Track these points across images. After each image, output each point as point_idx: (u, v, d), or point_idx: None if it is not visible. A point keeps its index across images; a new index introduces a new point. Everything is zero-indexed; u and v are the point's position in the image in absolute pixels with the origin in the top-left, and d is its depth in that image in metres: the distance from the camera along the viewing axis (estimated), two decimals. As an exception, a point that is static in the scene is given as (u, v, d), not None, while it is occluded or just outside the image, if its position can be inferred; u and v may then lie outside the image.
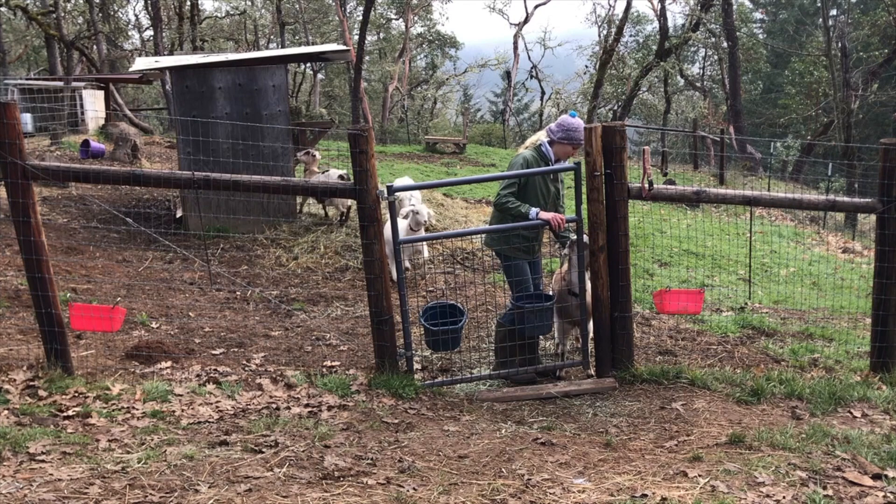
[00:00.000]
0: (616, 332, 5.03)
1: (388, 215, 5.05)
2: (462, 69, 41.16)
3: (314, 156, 10.25)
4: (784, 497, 3.21)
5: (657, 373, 5.00)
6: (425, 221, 7.82)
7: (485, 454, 3.81)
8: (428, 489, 3.36)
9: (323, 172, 10.14)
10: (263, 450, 3.70)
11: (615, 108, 31.40)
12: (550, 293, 5.32)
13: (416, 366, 5.36)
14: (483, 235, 5.80)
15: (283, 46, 31.70)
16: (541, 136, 5.28)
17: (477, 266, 8.62)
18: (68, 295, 6.62)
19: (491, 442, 4.00)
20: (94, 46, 26.14)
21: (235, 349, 5.79)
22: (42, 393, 4.32)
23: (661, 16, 27.49)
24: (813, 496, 3.22)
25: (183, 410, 4.23)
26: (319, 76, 37.25)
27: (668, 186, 5.37)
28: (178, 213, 10.38)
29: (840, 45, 21.74)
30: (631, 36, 35.87)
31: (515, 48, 36.47)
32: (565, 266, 5.35)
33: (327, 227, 9.77)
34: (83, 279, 7.39)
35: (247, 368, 5.10)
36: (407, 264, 8.44)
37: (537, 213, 4.97)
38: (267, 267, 8.51)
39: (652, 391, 4.83)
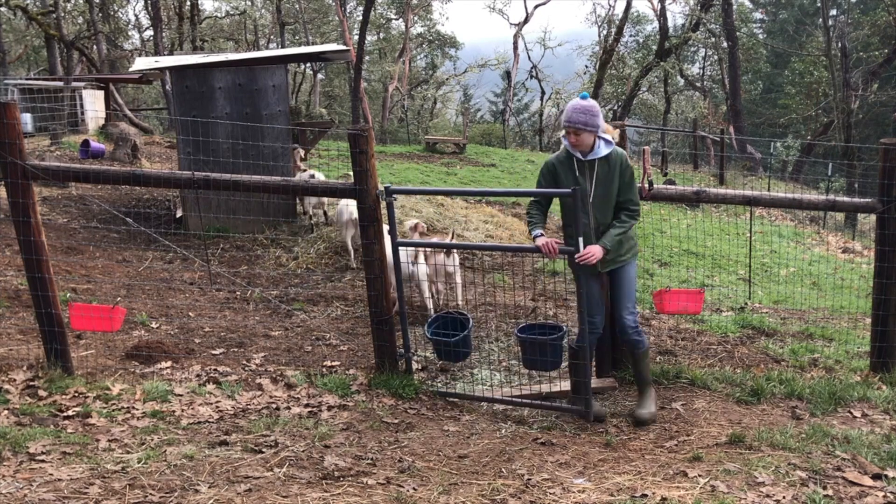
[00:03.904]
0: (616, 333, 5.02)
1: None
2: (462, 69, 41.15)
3: (299, 154, 10.18)
4: (784, 497, 3.21)
5: (657, 373, 5.00)
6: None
7: (485, 454, 3.81)
8: (428, 489, 3.36)
9: (303, 171, 10.10)
10: (263, 450, 3.70)
11: (615, 108, 31.42)
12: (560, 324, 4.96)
13: (416, 366, 5.36)
14: None
15: (283, 46, 31.69)
16: None
17: (476, 266, 8.62)
18: (68, 295, 6.62)
19: (491, 442, 4.00)
20: (94, 46, 26.15)
21: (235, 349, 5.79)
22: (42, 393, 4.32)
23: (661, 16, 27.50)
24: (813, 496, 3.22)
25: (183, 410, 4.24)
26: (319, 76, 37.24)
27: (668, 186, 5.37)
28: (178, 213, 10.38)
29: (840, 45, 21.75)
30: (631, 36, 35.87)
31: (515, 48, 36.47)
32: None
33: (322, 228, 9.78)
34: (83, 279, 7.39)
35: (247, 368, 5.10)
36: (440, 287, 7.12)
37: (535, 238, 4.36)
38: (267, 267, 8.51)
39: (652, 391, 4.83)
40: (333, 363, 5.33)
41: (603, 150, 4.30)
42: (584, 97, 4.37)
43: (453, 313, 5.16)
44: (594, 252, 4.25)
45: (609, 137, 4.33)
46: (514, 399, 4.80)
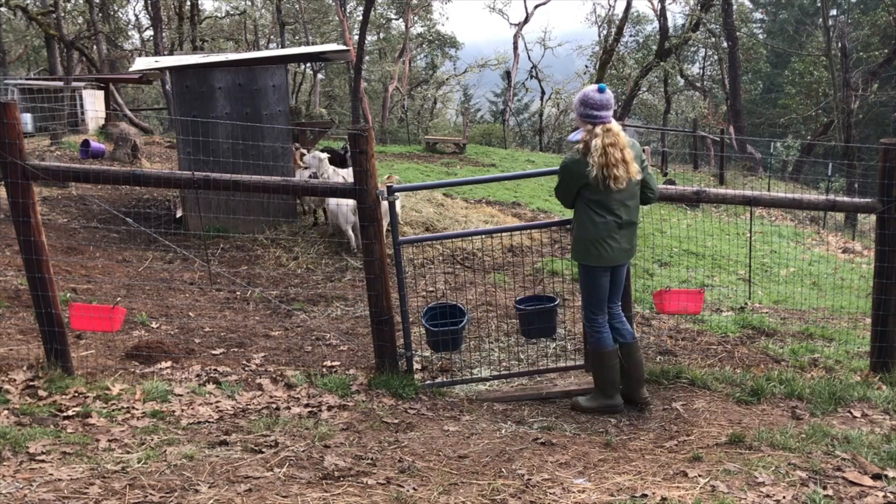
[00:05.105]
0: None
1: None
2: (462, 69, 41.15)
3: (301, 152, 10.23)
4: (784, 497, 3.21)
5: (657, 373, 5.00)
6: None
7: (485, 454, 3.81)
8: (428, 489, 3.36)
9: (305, 168, 10.16)
10: (263, 450, 3.70)
11: (615, 108, 31.39)
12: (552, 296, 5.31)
13: (417, 366, 5.36)
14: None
15: (283, 46, 31.69)
16: None
17: (477, 266, 8.63)
18: (68, 295, 6.62)
19: (491, 442, 4.00)
20: (94, 46, 26.14)
21: (235, 349, 5.80)
22: (42, 393, 4.32)
23: (661, 16, 27.52)
24: (813, 496, 3.22)
25: (183, 410, 4.23)
26: (319, 76, 37.25)
27: (668, 186, 5.36)
28: (178, 213, 10.38)
29: (840, 45, 21.75)
30: (631, 36, 35.87)
31: (515, 48, 36.46)
32: None
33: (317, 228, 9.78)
34: (83, 279, 7.39)
35: (247, 368, 5.10)
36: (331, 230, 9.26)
37: None
38: (267, 267, 8.52)
39: (652, 391, 4.83)
40: (333, 363, 5.33)
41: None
42: (600, 89, 4.36)
43: (443, 305, 5.32)
44: None
45: (580, 133, 4.33)
46: (521, 371, 4.97)
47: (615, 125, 4.30)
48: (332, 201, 8.85)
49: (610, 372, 4.56)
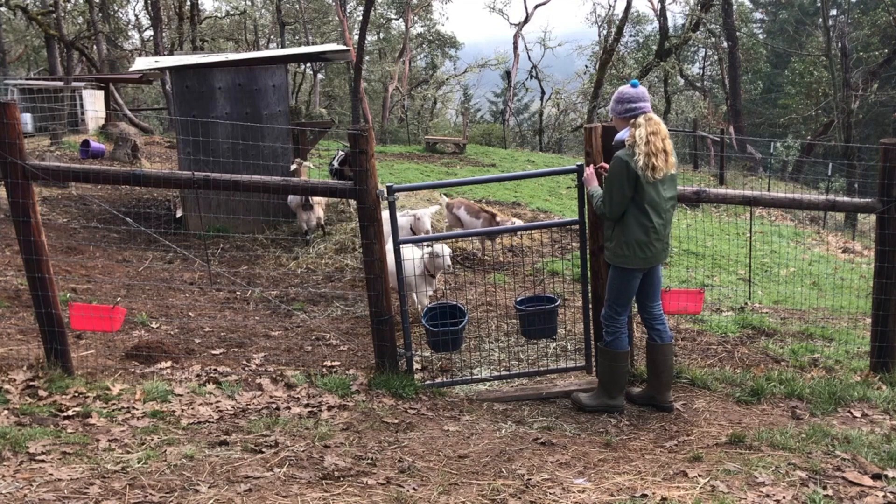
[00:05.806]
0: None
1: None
2: (462, 69, 41.13)
3: (306, 165, 10.14)
4: (784, 497, 3.21)
5: (657, 373, 4.99)
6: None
7: (485, 454, 3.81)
8: (428, 489, 3.36)
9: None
10: (263, 450, 3.70)
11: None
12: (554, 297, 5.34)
13: (417, 366, 5.36)
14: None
15: (283, 46, 31.70)
16: None
17: (477, 266, 8.63)
18: (68, 295, 6.62)
19: (491, 442, 4.00)
20: (94, 46, 26.14)
21: (235, 349, 5.79)
22: (42, 393, 4.32)
23: (661, 16, 27.52)
24: (813, 496, 3.22)
25: (183, 410, 4.24)
26: (319, 76, 37.23)
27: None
28: (178, 213, 10.38)
29: (840, 45, 21.75)
30: (631, 36, 35.83)
31: (515, 48, 36.44)
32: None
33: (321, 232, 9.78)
34: (83, 279, 7.39)
35: (247, 368, 5.10)
36: (304, 226, 9.37)
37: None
38: (267, 267, 8.52)
39: (652, 391, 4.83)
40: (333, 363, 5.33)
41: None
42: (633, 84, 4.37)
43: (444, 305, 5.34)
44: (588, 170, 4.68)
45: (626, 131, 4.31)
46: (521, 372, 5.03)
47: (656, 116, 4.29)
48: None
49: (618, 373, 4.56)
